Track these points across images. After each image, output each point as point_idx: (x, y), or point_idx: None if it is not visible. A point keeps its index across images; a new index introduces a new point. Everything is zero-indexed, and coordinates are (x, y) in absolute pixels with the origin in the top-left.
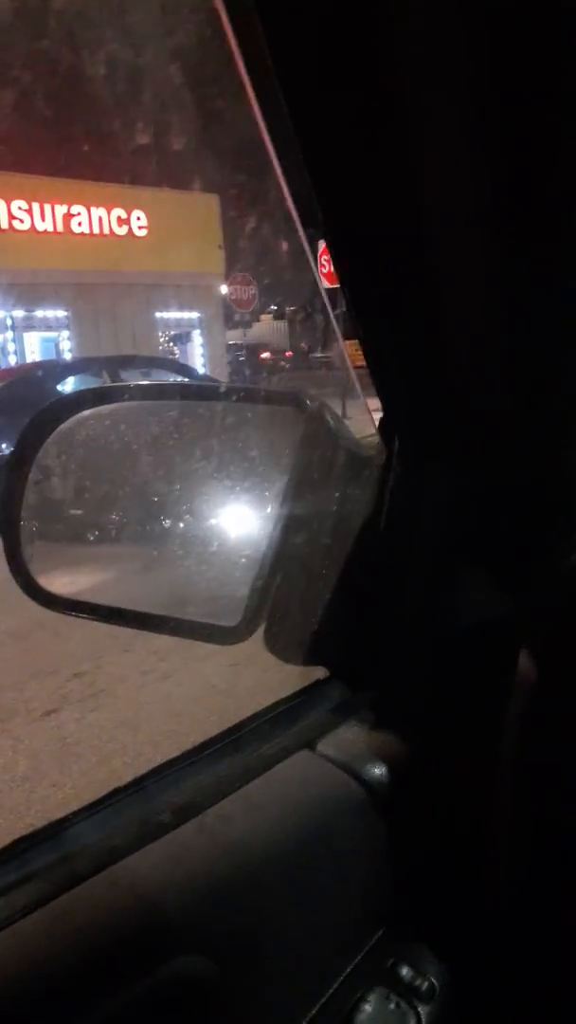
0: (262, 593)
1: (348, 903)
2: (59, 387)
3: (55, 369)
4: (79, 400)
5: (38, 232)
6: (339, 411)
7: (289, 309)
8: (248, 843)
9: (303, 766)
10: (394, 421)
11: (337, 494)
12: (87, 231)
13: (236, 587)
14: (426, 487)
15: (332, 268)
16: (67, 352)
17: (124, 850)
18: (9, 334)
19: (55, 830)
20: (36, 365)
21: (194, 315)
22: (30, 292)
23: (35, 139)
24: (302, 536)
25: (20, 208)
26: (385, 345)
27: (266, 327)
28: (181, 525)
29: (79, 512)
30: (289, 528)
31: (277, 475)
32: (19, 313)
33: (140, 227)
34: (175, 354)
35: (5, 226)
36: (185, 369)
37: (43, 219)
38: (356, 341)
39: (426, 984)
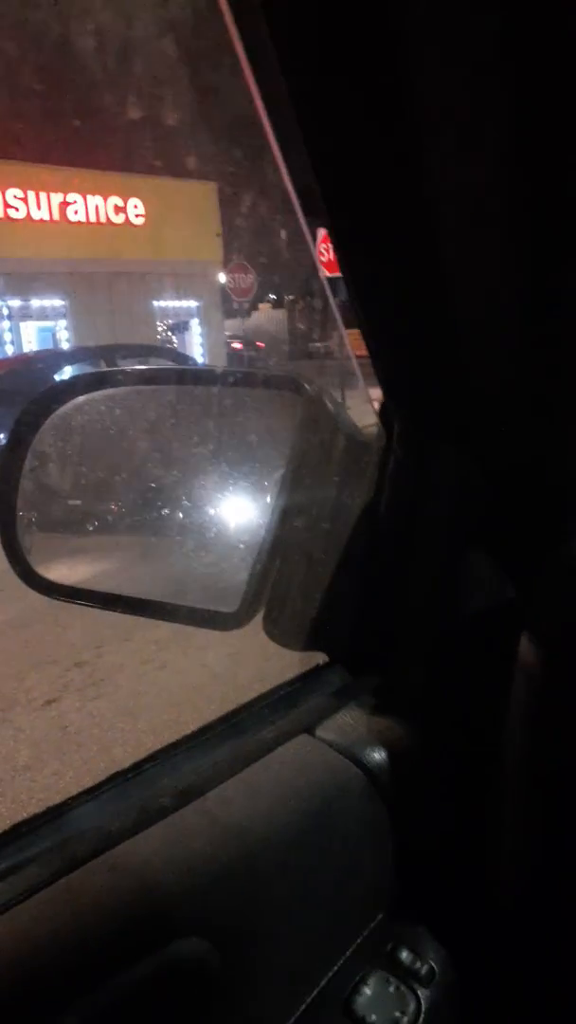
0: (261, 578)
1: (348, 887)
2: (56, 376)
3: (52, 358)
4: (75, 385)
5: (34, 220)
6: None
7: (288, 298)
8: (248, 827)
9: (303, 750)
10: (395, 405)
11: (336, 479)
12: (83, 219)
13: (235, 572)
14: (427, 471)
15: (332, 256)
16: (64, 342)
17: (124, 834)
18: (6, 324)
19: (55, 814)
20: (33, 355)
21: (192, 304)
22: (27, 281)
23: (31, 127)
24: (301, 521)
25: (16, 196)
26: (388, 328)
27: (264, 316)
28: (179, 511)
29: (77, 502)
30: (288, 513)
31: (276, 460)
32: (16, 303)
33: (137, 215)
34: (173, 343)
35: (1, 215)
36: (183, 358)
37: (39, 207)
38: (356, 331)
39: (425, 968)
